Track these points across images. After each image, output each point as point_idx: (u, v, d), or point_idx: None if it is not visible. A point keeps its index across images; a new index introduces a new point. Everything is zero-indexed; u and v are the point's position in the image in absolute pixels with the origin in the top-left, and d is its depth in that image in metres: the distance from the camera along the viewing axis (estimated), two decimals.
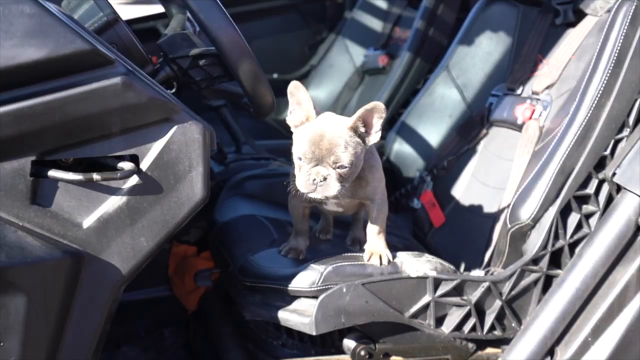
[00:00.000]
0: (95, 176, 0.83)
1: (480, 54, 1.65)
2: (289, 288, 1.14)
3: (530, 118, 1.45)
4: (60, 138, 0.82)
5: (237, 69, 1.04)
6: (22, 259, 0.80)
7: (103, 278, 0.89)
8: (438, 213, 1.59)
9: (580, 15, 1.46)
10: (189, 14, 1.26)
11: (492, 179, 1.51)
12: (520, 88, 1.51)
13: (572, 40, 1.45)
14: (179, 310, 1.60)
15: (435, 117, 1.68)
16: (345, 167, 1.03)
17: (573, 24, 1.47)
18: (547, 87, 1.45)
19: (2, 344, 0.82)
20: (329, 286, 1.12)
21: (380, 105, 1.03)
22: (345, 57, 2.39)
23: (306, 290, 1.13)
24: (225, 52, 1.03)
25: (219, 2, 1.03)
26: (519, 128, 1.47)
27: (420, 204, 1.63)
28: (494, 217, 1.45)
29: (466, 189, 1.57)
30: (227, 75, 1.13)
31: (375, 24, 2.35)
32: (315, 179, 1.02)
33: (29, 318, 0.83)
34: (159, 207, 0.89)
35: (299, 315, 1.13)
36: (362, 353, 1.20)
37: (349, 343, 1.22)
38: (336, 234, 1.35)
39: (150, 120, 0.86)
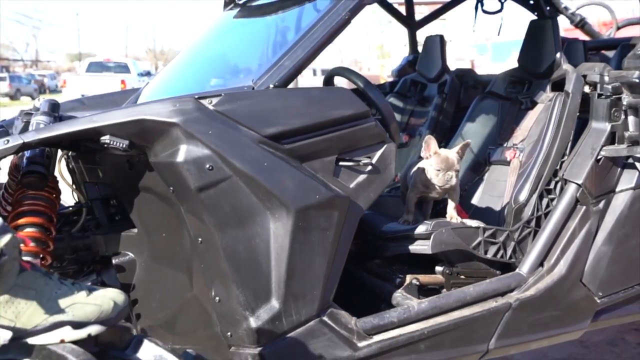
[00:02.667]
0: (364, 161, 1.96)
1: (480, 127, 2.88)
2: (415, 233, 2.26)
3: (514, 157, 2.66)
4: (347, 147, 1.95)
5: (390, 124, 2.20)
6: (339, 194, 1.91)
7: (355, 212, 1.99)
8: (465, 215, 2.76)
9: (534, 103, 2.72)
10: None
11: (495, 191, 2.69)
12: (506, 142, 2.75)
13: (531, 116, 2.68)
14: None
15: None
16: (458, 170, 2.23)
17: (531, 108, 2.71)
18: (521, 140, 2.67)
19: (328, 232, 1.90)
20: (435, 230, 2.25)
21: (469, 142, 2.28)
22: None
23: (423, 233, 2.24)
24: (385, 115, 2.19)
25: (382, 95, 2.20)
26: (508, 164, 2.66)
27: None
28: (499, 210, 2.62)
29: (480, 199, 2.74)
30: None
31: (396, 116, 3.59)
32: (447, 177, 2.22)
33: (337, 224, 1.92)
34: (379, 181, 2.01)
35: (421, 246, 2.24)
36: (447, 271, 2.30)
37: (438, 268, 2.32)
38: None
39: (377, 141, 2.00)
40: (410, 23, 3.80)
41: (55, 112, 2.00)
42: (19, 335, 1.18)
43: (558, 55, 2.60)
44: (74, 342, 1.21)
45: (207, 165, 1.75)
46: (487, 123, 2.86)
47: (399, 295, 2.21)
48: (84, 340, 1.22)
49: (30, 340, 1.19)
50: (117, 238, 2.06)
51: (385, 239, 2.34)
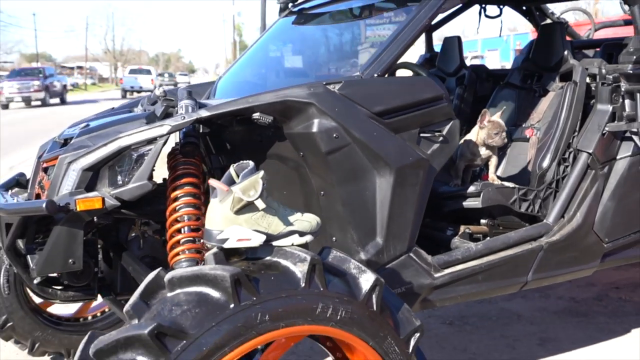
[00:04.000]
0: (438, 133, 2.54)
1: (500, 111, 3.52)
2: (467, 192, 2.86)
3: (532, 135, 3.30)
4: (425, 123, 2.53)
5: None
6: (423, 157, 2.49)
7: (432, 173, 2.56)
8: None
9: (546, 91, 3.37)
10: None
11: (518, 163, 3.32)
12: (524, 123, 3.38)
13: (545, 101, 3.33)
14: None
15: None
16: (506, 130, 2.85)
17: (543, 95, 3.36)
18: (538, 121, 3.31)
19: (416, 187, 2.48)
20: (483, 189, 2.86)
21: (504, 108, 2.91)
22: None
23: (474, 192, 2.85)
24: (445, 98, 2.79)
25: (442, 83, 2.79)
26: (527, 140, 3.30)
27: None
28: (521, 178, 3.25)
29: (504, 170, 3.38)
30: None
31: None
32: (503, 137, 2.84)
33: (421, 181, 2.49)
34: (448, 149, 2.58)
35: (472, 202, 2.85)
36: (490, 223, 2.93)
37: (483, 221, 2.94)
38: None
39: (446, 118, 2.58)
40: None
41: (193, 97, 2.53)
42: (268, 239, 1.71)
43: (565, 52, 3.25)
44: (299, 246, 1.76)
45: (334, 135, 2.30)
46: (507, 108, 3.49)
47: (457, 240, 2.81)
48: (303, 245, 1.77)
49: (274, 243, 1.73)
50: None
51: (443, 198, 2.94)
